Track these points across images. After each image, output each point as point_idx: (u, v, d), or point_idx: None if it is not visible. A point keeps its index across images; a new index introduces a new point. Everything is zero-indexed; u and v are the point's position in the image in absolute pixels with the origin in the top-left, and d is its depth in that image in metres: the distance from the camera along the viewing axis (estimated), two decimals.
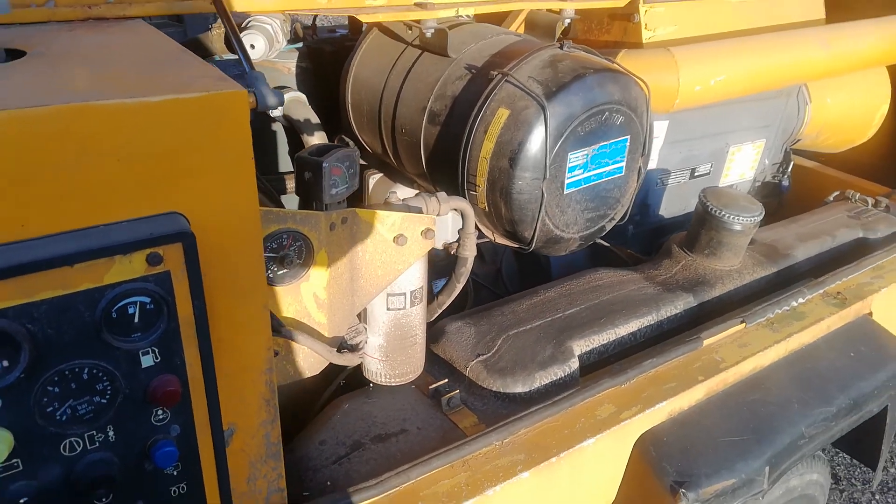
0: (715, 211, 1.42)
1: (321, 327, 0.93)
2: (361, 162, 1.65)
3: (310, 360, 0.95)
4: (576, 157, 1.11)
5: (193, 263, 0.64)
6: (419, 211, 1.03)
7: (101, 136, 0.59)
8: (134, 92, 0.61)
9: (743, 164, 1.87)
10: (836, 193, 1.97)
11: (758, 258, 1.55)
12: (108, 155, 0.59)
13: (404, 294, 1.05)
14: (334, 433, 1.05)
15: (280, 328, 0.85)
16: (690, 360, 1.25)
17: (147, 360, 0.65)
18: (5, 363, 0.58)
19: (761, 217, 1.44)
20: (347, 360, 0.98)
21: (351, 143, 1.58)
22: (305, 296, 0.90)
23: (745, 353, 1.30)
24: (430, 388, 1.13)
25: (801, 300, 1.44)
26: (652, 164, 1.65)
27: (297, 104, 1.65)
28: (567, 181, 1.13)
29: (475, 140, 1.11)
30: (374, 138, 1.43)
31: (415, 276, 1.05)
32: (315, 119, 1.62)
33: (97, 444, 0.65)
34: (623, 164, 1.19)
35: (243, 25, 1.54)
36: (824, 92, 2.03)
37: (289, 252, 0.84)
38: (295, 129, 1.65)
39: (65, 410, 0.63)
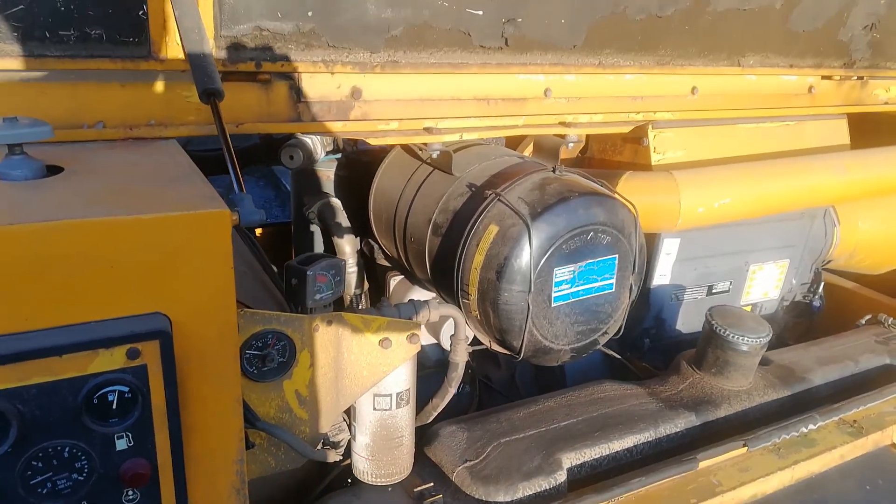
0: (720, 330, 1.43)
1: (303, 423, 1.00)
2: (385, 263, 1.76)
3: (290, 454, 1.01)
4: (562, 273, 1.17)
5: (168, 359, 0.73)
6: (409, 316, 1.11)
7: (99, 245, 0.70)
8: (134, 208, 0.72)
9: (766, 284, 1.87)
10: (869, 317, 1.93)
11: (770, 380, 1.53)
12: (102, 261, 0.70)
13: (390, 395, 1.11)
14: None
15: (256, 422, 0.92)
16: (685, 482, 1.24)
17: (121, 444, 0.73)
18: None
19: (768, 338, 1.44)
20: (324, 456, 1.04)
21: (375, 246, 1.69)
22: (288, 392, 0.97)
23: (745, 479, 1.27)
24: (415, 490, 1.16)
25: (812, 426, 1.40)
26: (665, 280, 1.68)
27: (331, 208, 1.79)
28: (554, 295, 1.18)
29: (468, 252, 1.19)
30: (390, 244, 1.54)
31: (401, 379, 1.11)
32: (346, 223, 1.75)
33: None
34: (613, 280, 1.24)
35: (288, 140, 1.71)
36: (855, 215, 2.04)
37: (272, 351, 0.93)
38: (328, 231, 1.79)
39: (45, 484, 0.71)
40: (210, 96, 0.89)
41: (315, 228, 1.92)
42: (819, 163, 1.69)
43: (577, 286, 1.20)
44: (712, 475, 1.27)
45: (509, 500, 1.14)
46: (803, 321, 2.06)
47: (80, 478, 0.72)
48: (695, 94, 1.64)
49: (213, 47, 1.05)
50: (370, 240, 1.72)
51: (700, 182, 1.49)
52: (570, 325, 1.24)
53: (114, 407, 0.72)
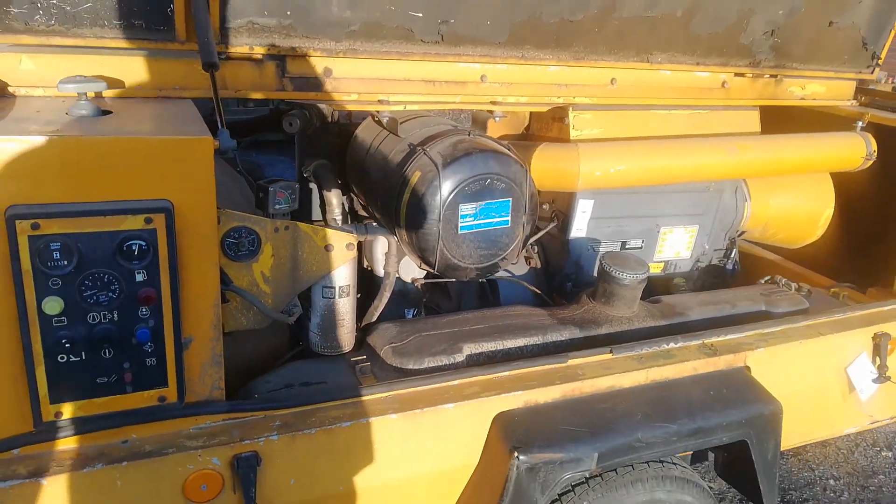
0: (607, 267, 1.83)
1: (266, 295, 1.45)
2: (363, 213, 2.20)
3: (258, 316, 1.46)
4: (466, 209, 1.59)
5: (170, 227, 1.18)
6: (350, 232, 1.55)
7: (130, 154, 1.15)
8: (153, 133, 1.18)
9: (677, 245, 2.25)
10: (768, 278, 2.29)
11: (652, 311, 1.92)
12: (131, 163, 1.16)
13: (334, 287, 1.55)
14: (277, 377, 1.54)
15: (229, 283, 1.37)
16: (554, 371, 1.65)
17: (139, 277, 1.19)
18: (65, 262, 1.13)
19: (645, 275, 1.83)
20: (281, 317, 1.48)
21: (354, 198, 2.14)
22: (256, 272, 1.42)
23: (605, 374, 1.68)
24: (352, 360, 1.61)
25: (673, 344, 1.80)
26: (581, 234, 2.08)
27: (323, 168, 2.24)
28: (460, 225, 1.61)
29: (400, 192, 1.62)
30: (360, 194, 1.98)
31: (342, 276, 1.55)
32: (334, 179, 2.20)
33: (107, 320, 1.19)
34: (508, 218, 1.66)
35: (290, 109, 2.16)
36: (767, 192, 2.39)
37: (244, 240, 1.37)
38: (320, 187, 2.24)
39: (93, 296, 1.17)
40: (209, 67, 1.34)
41: (313, 185, 2.38)
42: (711, 144, 2.06)
43: (478, 220, 1.63)
44: (579, 369, 1.67)
45: (417, 368, 1.57)
46: (718, 282, 2.42)
47: (113, 295, 1.18)
48: (613, 85, 2.03)
49: (216, 34, 1.50)
50: (351, 193, 2.16)
51: (598, 152, 1.89)
52: (474, 249, 1.66)
53: (135, 253, 1.17)
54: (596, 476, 1.65)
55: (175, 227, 1.20)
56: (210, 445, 1.30)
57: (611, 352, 1.72)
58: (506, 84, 1.89)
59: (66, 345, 1.16)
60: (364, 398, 1.45)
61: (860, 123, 2.31)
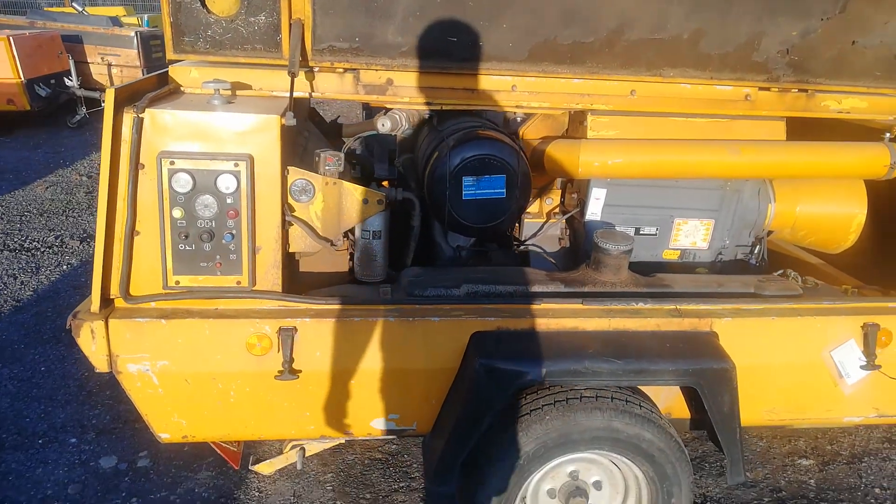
0: (597, 240, 2.26)
1: (318, 228, 2.10)
2: None
3: (312, 241, 2.12)
4: (468, 181, 2.15)
5: (249, 170, 1.89)
6: (384, 194, 2.17)
7: (227, 123, 1.88)
8: (243, 112, 1.90)
9: (693, 235, 2.57)
10: (780, 272, 2.52)
11: (638, 281, 2.30)
12: (228, 130, 1.88)
13: (369, 231, 2.18)
14: (330, 291, 2.19)
15: (289, 213, 2.04)
16: (528, 309, 2.12)
17: (229, 200, 1.90)
18: (187, 185, 1.87)
19: (628, 247, 2.22)
20: (322, 243, 2.12)
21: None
22: (311, 211, 2.08)
23: (572, 316, 2.11)
24: (380, 286, 2.22)
25: (641, 303, 2.17)
26: (596, 218, 2.50)
27: (410, 161, 2.89)
28: (464, 193, 2.16)
29: (426, 165, 2.22)
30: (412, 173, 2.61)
31: (375, 223, 2.17)
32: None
33: (207, 225, 1.91)
34: (503, 191, 2.17)
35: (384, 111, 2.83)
36: (794, 196, 2.61)
37: (305, 187, 2.04)
38: (406, 176, 2.90)
39: (200, 208, 1.90)
40: (291, 74, 2.04)
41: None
42: (711, 144, 2.38)
43: (479, 190, 2.17)
44: (550, 311, 2.13)
45: (421, 294, 2.13)
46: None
47: (212, 210, 1.91)
48: (633, 95, 2.44)
49: (309, 55, 2.21)
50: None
51: (598, 147, 2.33)
52: (476, 212, 2.20)
53: (227, 184, 1.89)
54: (557, 394, 2.09)
55: (254, 171, 1.91)
56: (265, 317, 1.98)
57: (582, 302, 2.15)
58: (533, 93, 2.40)
59: (184, 237, 1.91)
60: (373, 306, 2.05)
61: (888, 134, 2.47)
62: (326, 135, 3.04)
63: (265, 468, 2.40)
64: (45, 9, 12.67)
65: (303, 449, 2.36)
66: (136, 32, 9.94)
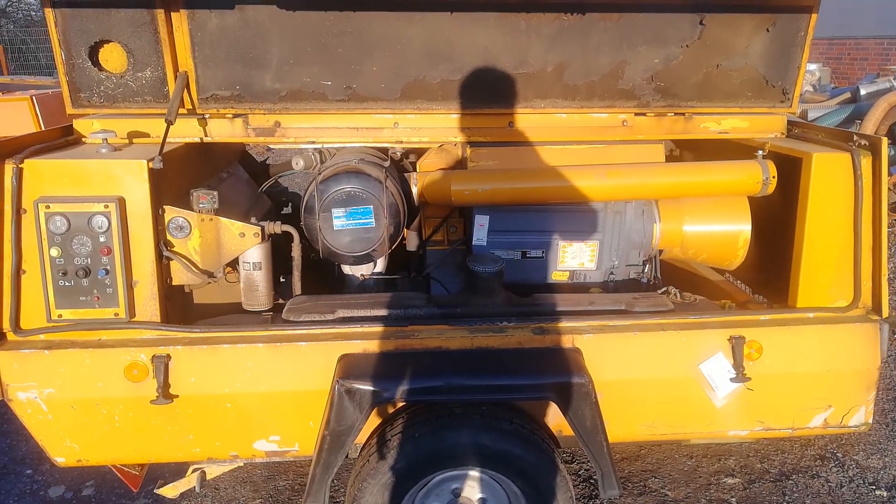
0: (468, 263, 2.37)
1: (198, 262, 2.27)
2: None
3: (192, 275, 2.28)
4: (337, 212, 2.29)
5: (121, 211, 2.07)
6: (260, 227, 2.33)
7: (99, 169, 2.07)
8: (116, 157, 2.09)
9: (579, 257, 2.65)
10: (664, 289, 2.59)
11: (512, 300, 2.40)
12: (99, 175, 2.08)
13: (250, 263, 2.34)
14: (218, 321, 2.35)
15: (166, 248, 2.21)
16: (395, 331, 2.23)
17: (102, 238, 2.09)
18: (62, 226, 2.06)
19: (495, 270, 2.33)
20: (201, 276, 2.28)
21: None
22: (189, 246, 2.25)
23: (436, 337, 2.22)
24: (263, 314, 2.36)
25: (506, 322, 2.27)
26: (483, 243, 2.61)
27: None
28: (335, 223, 2.31)
29: (303, 199, 2.38)
30: None
31: (255, 255, 2.33)
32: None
33: (84, 262, 2.10)
34: (372, 220, 2.32)
35: (299, 151, 3.01)
36: (678, 216, 2.68)
37: (181, 224, 2.22)
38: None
39: (75, 247, 2.09)
40: (168, 122, 2.23)
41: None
42: (579, 170, 2.47)
43: (349, 220, 2.32)
44: (415, 333, 2.24)
45: (296, 320, 2.27)
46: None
47: (87, 248, 2.09)
48: (511, 126, 2.58)
49: (196, 105, 2.40)
50: None
51: (468, 176, 2.45)
52: (349, 242, 2.34)
53: (99, 224, 2.07)
54: (429, 412, 2.18)
55: (126, 212, 2.10)
56: (141, 346, 2.14)
57: (447, 323, 2.26)
58: (415, 128, 2.55)
59: (63, 274, 2.09)
60: (243, 333, 2.20)
61: (761, 152, 2.54)
62: (255, 175, 3.24)
63: (169, 491, 2.53)
64: None
65: (203, 472, 2.49)
66: None
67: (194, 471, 2.49)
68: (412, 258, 2.84)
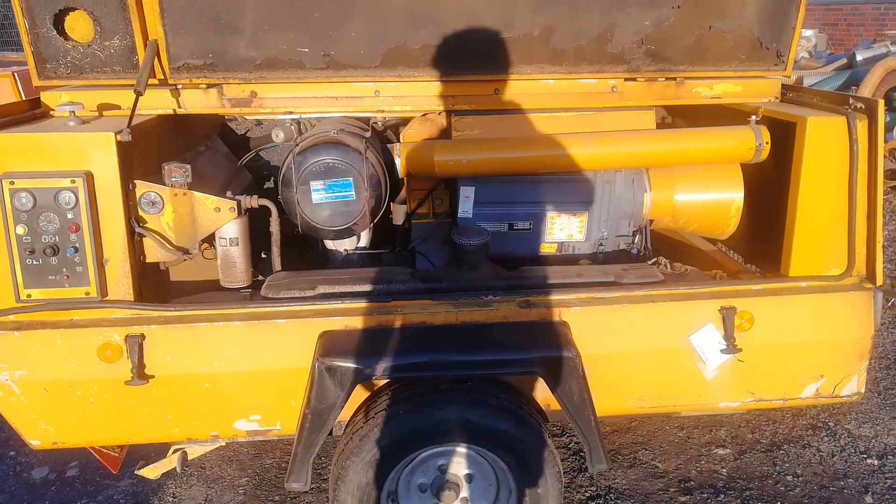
0: (453, 236, 2.30)
1: (172, 238, 2.19)
2: None
3: (166, 251, 2.20)
4: (316, 185, 2.21)
5: (88, 186, 1.99)
6: (236, 202, 2.25)
7: (65, 142, 1.98)
8: (83, 130, 2.00)
9: (568, 228, 2.58)
10: (654, 259, 2.53)
11: (498, 273, 2.33)
12: (65, 148, 1.99)
13: (226, 238, 2.26)
14: (196, 299, 2.28)
15: (138, 225, 2.13)
16: (377, 307, 2.17)
17: (70, 215, 2.01)
18: (28, 203, 1.98)
19: (480, 242, 2.26)
20: (175, 253, 2.20)
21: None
22: (162, 222, 2.16)
23: (419, 312, 2.15)
24: (241, 291, 2.29)
25: (491, 296, 2.20)
26: (468, 215, 2.54)
27: None
28: (313, 197, 2.23)
29: (280, 172, 2.29)
30: None
31: (231, 230, 2.25)
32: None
33: (51, 240, 2.01)
34: (352, 192, 2.23)
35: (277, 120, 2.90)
36: (669, 185, 2.61)
37: (154, 200, 2.13)
38: None
39: (43, 224, 2.01)
40: (136, 92, 2.14)
41: None
42: (566, 138, 2.39)
43: (328, 193, 2.23)
44: (399, 309, 2.17)
45: (275, 297, 2.20)
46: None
47: (54, 225, 2.01)
48: (497, 94, 2.48)
49: (168, 74, 2.30)
50: None
51: (451, 147, 2.37)
52: (329, 216, 2.27)
53: (66, 200, 1.99)
54: (413, 388, 2.13)
55: (94, 187, 2.01)
56: (114, 325, 2.07)
57: (431, 298, 2.20)
58: (396, 97, 2.45)
59: (30, 253, 2.01)
60: (219, 311, 2.13)
61: (754, 117, 2.46)
62: (235, 149, 3.14)
63: (150, 472, 2.49)
64: None
65: (184, 452, 2.44)
66: None
67: (175, 451, 2.44)
68: (397, 232, 2.76)
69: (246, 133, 3.32)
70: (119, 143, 2.03)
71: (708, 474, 2.94)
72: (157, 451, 2.91)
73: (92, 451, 2.35)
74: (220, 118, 3.17)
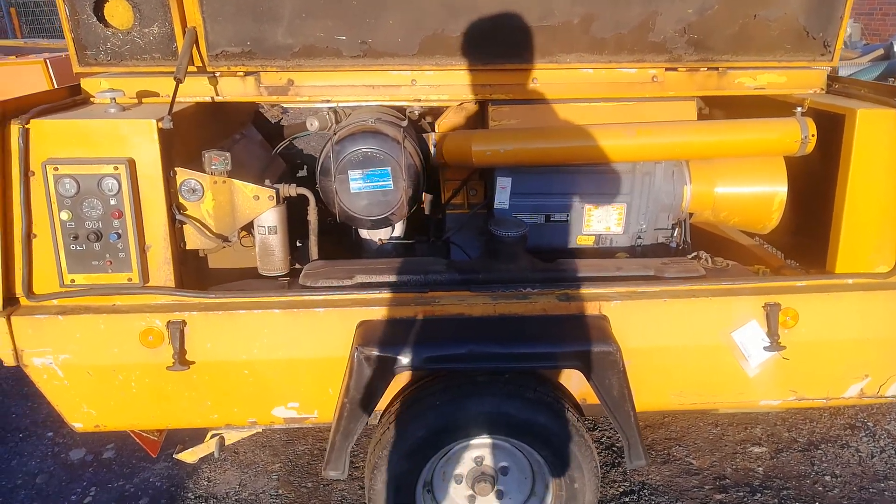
0: (490, 227, 2.28)
1: (211, 226, 2.20)
2: None
3: (206, 238, 2.21)
4: (354, 174, 2.20)
5: (131, 172, 2.00)
6: (275, 190, 2.25)
7: (107, 129, 2.00)
8: (125, 117, 2.01)
9: (605, 220, 2.55)
10: (694, 254, 2.48)
11: (535, 265, 2.31)
12: (107, 135, 2.00)
13: (265, 227, 2.26)
14: (222, 285, 2.29)
15: (179, 213, 2.13)
16: (415, 298, 2.16)
17: (112, 201, 2.02)
18: (71, 189, 2.00)
19: (519, 234, 2.24)
20: (215, 240, 2.21)
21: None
22: (202, 209, 2.17)
23: (458, 303, 2.14)
24: (279, 279, 2.30)
25: (529, 289, 2.18)
26: (505, 206, 2.51)
27: None
28: (352, 186, 2.22)
29: (317, 161, 2.29)
30: None
31: (270, 219, 2.25)
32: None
33: (95, 226, 2.03)
34: (390, 182, 2.22)
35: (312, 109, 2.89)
36: (710, 177, 2.56)
37: (194, 187, 2.14)
38: None
39: (86, 210, 2.02)
40: (177, 79, 2.14)
41: None
42: (606, 129, 2.35)
43: (366, 183, 2.22)
44: (437, 300, 2.16)
45: (313, 286, 2.20)
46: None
47: (97, 211, 2.03)
48: (535, 83, 2.45)
49: (206, 62, 2.30)
50: None
51: (490, 136, 2.35)
52: (367, 205, 2.26)
53: (109, 186, 2.01)
54: (450, 380, 2.12)
55: (136, 173, 2.03)
56: (156, 311, 2.09)
57: (469, 289, 2.18)
58: (433, 86, 2.44)
59: (74, 238, 2.03)
60: (259, 299, 2.14)
61: (800, 109, 2.40)
62: (270, 137, 3.15)
63: (188, 456, 2.51)
64: None
65: (222, 438, 2.47)
66: None
67: (213, 436, 2.47)
68: (430, 222, 2.75)
69: (279, 122, 3.32)
70: (160, 130, 2.04)
71: (744, 472, 2.90)
72: (191, 436, 2.95)
73: (132, 435, 2.38)
74: (254, 106, 3.18)
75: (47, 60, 9.97)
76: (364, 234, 2.65)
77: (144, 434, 2.40)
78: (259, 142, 3.04)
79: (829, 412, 3.24)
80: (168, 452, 3.10)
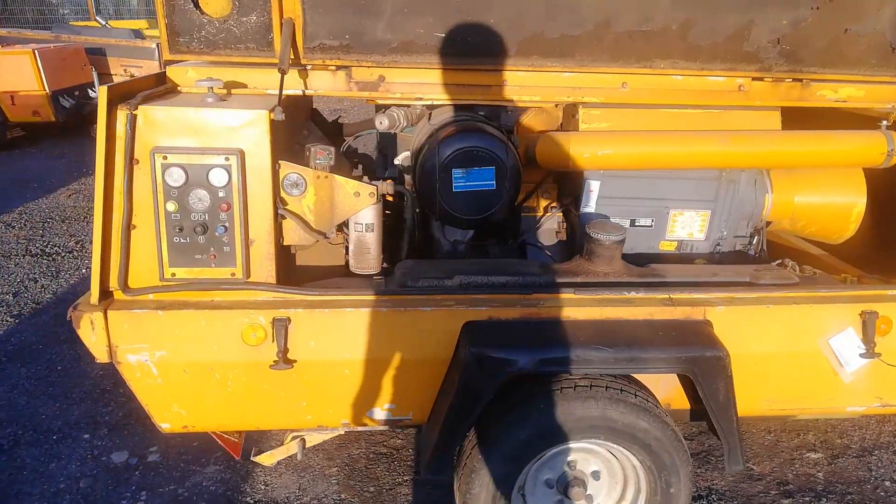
0: (589, 230, 2.27)
1: (311, 221, 2.14)
2: None
3: (305, 234, 2.15)
4: (458, 173, 2.17)
5: (241, 164, 1.93)
6: (374, 187, 2.20)
7: (217, 120, 1.93)
8: (233, 107, 1.95)
9: (689, 226, 2.56)
10: (779, 261, 2.51)
11: (631, 269, 2.30)
12: (217, 125, 1.93)
13: (362, 224, 2.21)
14: (315, 282, 2.23)
15: (281, 207, 2.08)
16: (519, 299, 2.13)
17: (221, 193, 1.95)
18: (179, 179, 1.93)
19: (619, 238, 2.23)
20: (315, 235, 2.16)
21: None
22: (303, 204, 2.12)
23: (563, 306, 2.12)
24: (374, 278, 2.25)
25: (633, 293, 2.17)
26: (591, 210, 2.51)
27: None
28: (455, 185, 2.19)
29: (417, 159, 2.25)
30: None
31: (368, 216, 2.20)
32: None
33: (201, 218, 1.96)
34: (493, 182, 2.20)
35: (382, 110, 2.86)
36: (791, 186, 2.60)
37: (297, 181, 2.08)
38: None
39: (193, 201, 1.95)
40: (280, 71, 2.09)
41: None
42: (704, 136, 2.37)
43: (469, 182, 2.19)
44: (543, 301, 2.14)
45: (412, 285, 2.16)
46: None
47: (204, 203, 1.96)
48: (625, 88, 2.45)
49: (301, 54, 2.25)
50: None
51: (588, 139, 2.34)
52: (467, 204, 2.23)
53: (218, 178, 1.94)
54: (551, 384, 2.10)
55: (244, 166, 1.96)
56: (259, 308, 2.02)
57: (574, 292, 2.16)
58: (525, 87, 2.41)
59: (178, 230, 1.96)
60: (365, 297, 2.09)
61: (885, 122, 2.44)
62: (328, 135, 3.09)
63: (266, 459, 2.44)
64: (70, 23, 12.99)
65: (303, 440, 2.40)
66: (157, 44, 10.15)
67: (294, 438, 2.40)
68: (504, 224, 2.72)
69: (337, 119, 3.27)
70: (272, 122, 1.98)
71: (805, 478, 2.93)
72: (260, 438, 2.88)
73: (214, 437, 2.30)
74: (310, 103, 3.13)
75: (35, 51, 9.66)
76: (436, 233, 2.61)
77: (227, 436, 2.32)
78: (320, 138, 2.99)
79: (875, 420, 3.30)
80: (216, 455, 3.02)
